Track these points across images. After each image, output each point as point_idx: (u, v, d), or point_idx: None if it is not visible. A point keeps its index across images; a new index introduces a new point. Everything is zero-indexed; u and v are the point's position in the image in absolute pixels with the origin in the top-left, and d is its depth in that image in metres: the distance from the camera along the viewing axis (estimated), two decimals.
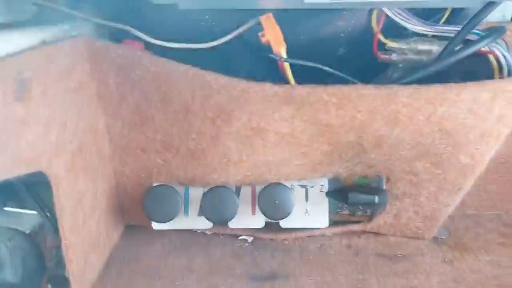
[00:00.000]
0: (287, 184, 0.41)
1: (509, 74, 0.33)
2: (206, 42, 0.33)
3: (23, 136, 0.25)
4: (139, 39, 0.34)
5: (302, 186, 0.42)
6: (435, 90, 0.30)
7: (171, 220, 0.38)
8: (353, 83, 0.34)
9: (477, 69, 0.37)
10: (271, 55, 0.33)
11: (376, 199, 0.38)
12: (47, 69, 0.27)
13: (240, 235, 0.44)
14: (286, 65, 0.33)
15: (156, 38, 0.34)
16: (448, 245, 0.45)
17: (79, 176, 0.32)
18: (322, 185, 0.42)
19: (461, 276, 0.40)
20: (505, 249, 0.45)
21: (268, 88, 0.30)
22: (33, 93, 0.26)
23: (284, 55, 0.33)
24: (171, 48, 0.34)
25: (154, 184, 0.39)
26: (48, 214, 0.40)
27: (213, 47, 0.34)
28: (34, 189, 0.41)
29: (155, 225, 0.40)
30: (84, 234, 0.33)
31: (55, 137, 0.29)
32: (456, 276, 0.40)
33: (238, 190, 0.41)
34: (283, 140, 0.36)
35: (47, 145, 0.28)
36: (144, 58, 0.31)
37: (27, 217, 0.44)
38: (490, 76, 0.35)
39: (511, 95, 0.31)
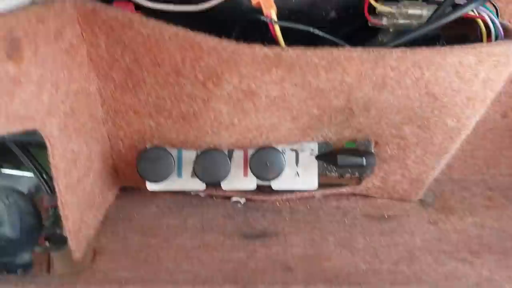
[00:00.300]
0: (279, 148, 0.42)
1: (496, 39, 0.34)
2: (196, 4, 0.33)
3: (17, 94, 0.26)
4: (129, 0, 0.34)
5: (293, 150, 0.43)
6: (421, 53, 0.30)
7: (164, 180, 0.39)
8: (344, 46, 0.34)
9: (468, 34, 0.37)
10: (262, 18, 0.33)
11: (364, 161, 0.39)
12: (38, 29, 0.27)
13: (233, 197, 0.46)
14: (277, 28, 0.33)
15: (147, 0, 0.34)
16: (434, 207, 0.47)
17: (72, 137, 0.33)
18: (312, 149, 0.43)
19: (444, 235, 0.42)
20: (489, 211, 0.46)
21: (258, 50, 0.31)
22: (24, 53, 0.26)
23: (274, 17, 0.33)
24: (161, 10, 0.34)
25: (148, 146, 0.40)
26: (44, 175, 0.42)
27: (204, 10, 0.34)
28: (30, 152, 0.42)
29: (149, 186, 0.41)
30: (79, 193, 0.34)
31: (47, 98, 0.29)
32: (440, 236, 0.42)
33: (230, 153, 0.42)
34: (274, 104, 0.36)
35: (40, 105, 0.28)
36: (134, 20, 0.31)
37: (24, 179, 0.45)
38: (479, 41, 0.35)
39: (496, 59, 0.32)
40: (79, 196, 0.34)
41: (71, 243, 0.34)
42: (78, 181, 0.34)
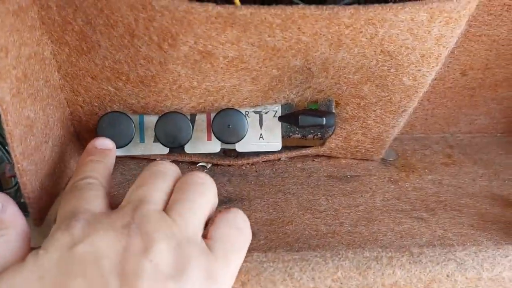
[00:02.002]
0: (242, 110, 0.42)
1: None
2: None
3: None
4: None
5: (256, 112, 0.43)
6: (374, 10, 0.31)
7: (125, 145, 0.39)
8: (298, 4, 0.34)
9: None
10: None
11: (324, 120, 0.39)
12: None
13: (199, 162, 0.46)
14: None
15: None
16: (395, 166, 0.48)
17: (27, 103, 0.32)
18: (276, 110, 0.43)
19: (403, 193, 0.43)
20: (447, 168, 0.48)
21: (211, 8, 0.30)
22: None
23: None
24: None
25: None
26: (5, 146, 0.41)
27: None
28: None
29: None
30: (37, 160, 0.34)
31: None
32: (399, 194, 0.43)
33: (193, 117, 0.42)
34: (232, 65, 0.36)
35: None
36: None
37: None
38: None
39: (448, 15, 0.32)
40: (37, 163, 0.34)
41: (31, 211, 0.34)
42: (36, 148, 0.34)
